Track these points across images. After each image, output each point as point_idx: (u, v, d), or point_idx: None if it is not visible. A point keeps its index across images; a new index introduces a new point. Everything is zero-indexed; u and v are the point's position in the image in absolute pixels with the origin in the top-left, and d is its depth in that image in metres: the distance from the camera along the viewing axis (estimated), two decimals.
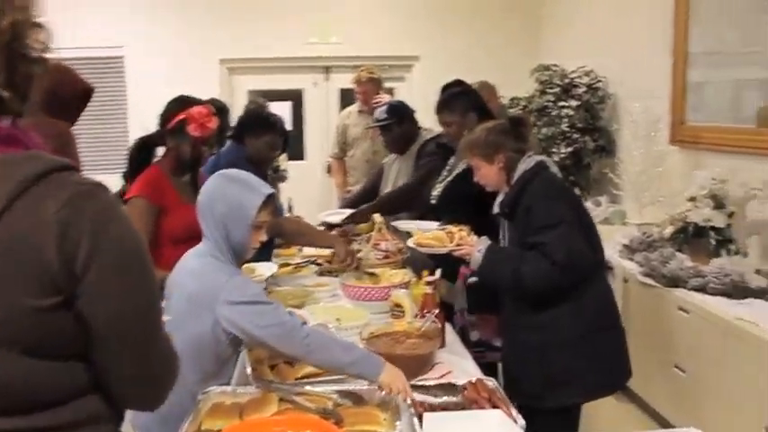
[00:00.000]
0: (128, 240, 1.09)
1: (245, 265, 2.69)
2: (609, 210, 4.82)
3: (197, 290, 1.97)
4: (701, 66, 4.07)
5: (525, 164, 2.46)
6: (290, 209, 4.75)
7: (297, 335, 1.87)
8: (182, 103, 2.61)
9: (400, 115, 3.77)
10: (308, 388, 1.93)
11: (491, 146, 2.47)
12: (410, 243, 2.66)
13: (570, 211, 2.36)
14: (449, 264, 2.74)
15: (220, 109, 3.05)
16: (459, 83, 3.13)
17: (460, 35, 6.50)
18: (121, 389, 1.14)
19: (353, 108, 5.20)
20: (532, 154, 2.51)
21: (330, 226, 3.83)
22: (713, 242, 3.30)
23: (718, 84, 3.97)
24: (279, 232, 3.03)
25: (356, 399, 1.91)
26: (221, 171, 2.09)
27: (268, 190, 2.03)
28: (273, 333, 1.86)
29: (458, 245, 2.49)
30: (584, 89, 5.19)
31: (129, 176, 2.66)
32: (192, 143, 2.59)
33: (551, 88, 5.28)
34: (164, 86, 5.86)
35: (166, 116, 2.62)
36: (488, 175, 2.50)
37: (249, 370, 2.03)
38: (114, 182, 4.28)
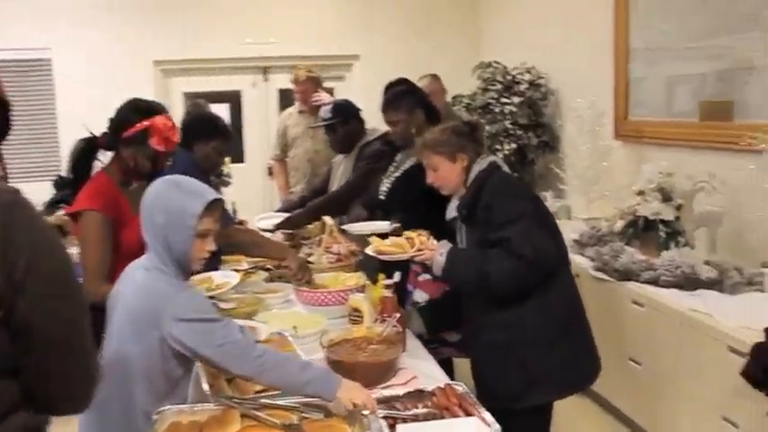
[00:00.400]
0: (57, 248, 1.15)
1: (205, 276, 2.56)
2: (555, 205, 4.84)
3: (142, 306, 1.84)
4: (642, 61, 4.13)
5: (479, 165, 2.44)
6: (234, 213, 4.61)
7: (250, 354, 1.77)
8: (141, 110, 2.40)
9: (346, 115, 3.70)
10: (269, 402, 1.83)
11: (457, 144, 2.44)
12: (369, 251, 2.59)
13: (530, 206, 2.33)
14: (405, 270, 2.73)
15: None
16: (403, 81, 3.09)
17: (401, 34, 6.47)
18: (57, 391, 1.20)
19: (293, 109, 5.09)
20: (486, 156, 2.50)
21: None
22: (663, 235, 3.34)
23: (659, 78, 4.02)
24: (229, 242, 2.89)
25: (322, 411, 1.82)
26: (161, 178, 1.97)
27: (211, 195, 1.91)
28: (225, 352, 1.76)
29: (418, 250, 2.43)
30: (526, 86, 5.22)
31: (73, 183, 2.44)
32: (152, 156, 2.40)
33: (493, 85, 5.30)
34: (95, 89, 5.71)
35: (121, 122, 2.40)
36: (448, 174, 2.45)
37: (206, 386, 1.92)
38: (44, 189, 4.06)
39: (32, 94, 6.23)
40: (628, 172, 4.06)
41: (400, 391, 1.94)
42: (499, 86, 5.27)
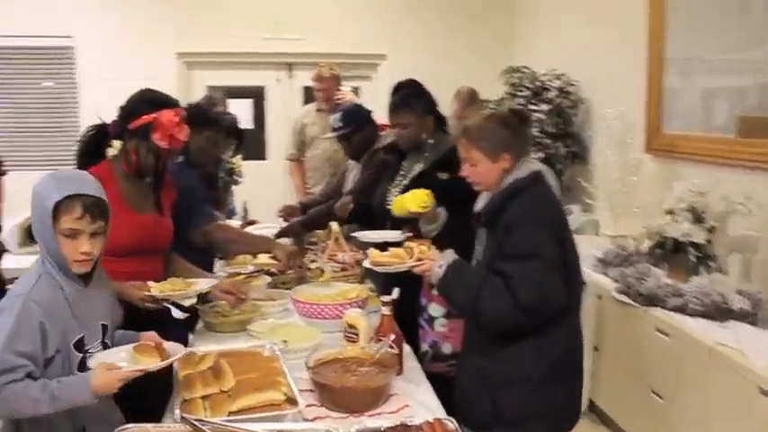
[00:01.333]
0: None
1: (182, 280, 2.39)
2: (581, 219, 4.63)
3: None
4: (677, 71, 3.88)
5: (520, 171, 2.14)
6: (245, 212, 4.46)
7: None
8: (150, 102, 2.26)
9: (358, 122, 3.49)
10: (239, 426, 1.66)
11: (501, 142, 2.12)
12: (366, 264, 2.42)
13: (551, 244, 2.04)
14: (409, 283, 2.47)
15: None
16: (414, 83, 2.94)
17: (429, 33, 6.30)
18: None
19: (311, 106, 4.95)
20: (531, 160, 2.23)
21: None
22: (693, 259, 3.09)
23: (694, 90, 3.77)
24: (208, 241, 2.74)
25: None
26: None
27: (69, 191, 1.75)
28: None
29: (418, 259, 2.23)
30: (555, 93, 4.99)
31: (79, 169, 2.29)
32: (154, 152, 2.26)
33: (521, 91, 5.08)
34: (117, 79, 5.62)
35: (130, 112, 2.26)
36: (486, 173, 2.15)
37: (177, 402, 1.78)
38: None
39: (54, 83, 6.18)
40: (658, 188, 3.81)
41: (387, 421, 1.75)
42: (527, 93, 5.05)
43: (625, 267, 3.40)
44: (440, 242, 2.32)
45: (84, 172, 1.97)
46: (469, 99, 4.79)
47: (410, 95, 2.82)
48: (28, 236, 4.04)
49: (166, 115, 2.23)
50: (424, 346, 2.68)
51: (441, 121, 2.88)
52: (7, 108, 5.94)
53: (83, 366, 1.80)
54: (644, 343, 3.11)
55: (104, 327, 1.92)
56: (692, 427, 2.79)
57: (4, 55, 5.95)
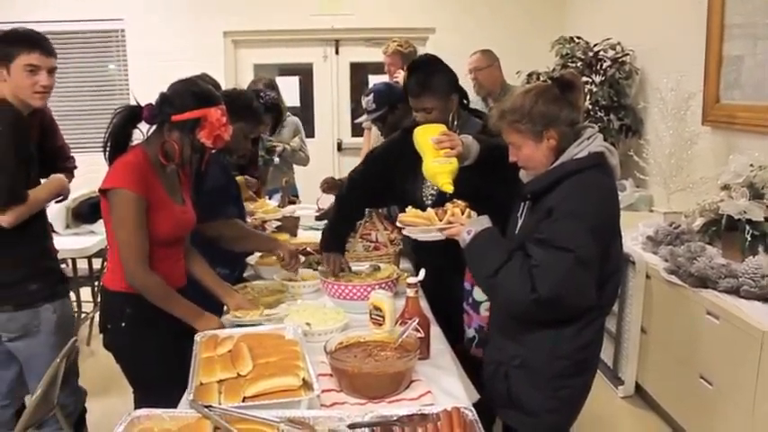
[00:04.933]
0: None
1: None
2: (634, 195, 4.45)
3: None
4: (738, 38, 3.62)
5: (579, 148, 1.92)
6: (285, 191, 4.43)
7: None
8: (198, 97, 2.18)
9: (390, 102, 3.30)
10: (251, 413, 1.62)
11: (542, 119, 1.92)
12: (398, 223, 2.24)
13: (590, 241, 1.84)
14: (446, 256, 2.24)
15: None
16: (432, 60, 2.64)
17: (478, 5, 6.13)
18: None
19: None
20: (593, 135, 1.96)
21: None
22: (749, 237, 2.90)
23: (757, 59, 3.51)
24: (218, 237, 2.72)
25: (306, 429, 1.59)
26: None
27: None
28: None
29: (448, 222, 2.06)
30: (609, 63, 4.80)
31: (110, 154, 2.24)
32: (198, 147, 2.20)
33: (573, 62, 4.89)
34: (166, 61, 5.68)
35: (173, 104, 2.17)
36: (533, 155, 1.96)
37: (194, 386, 1.77)
38: None
39: (106, 65, 6.29)
40: (715, 163, 3.60)
41: (403, 409, 1.68)
42: (579, 64, 4.86)
43: (676, 246, 3.24)
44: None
45: None
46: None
47: (432, 74, 2.55)
48: (74, 217, 4.12)
49: (215, 114, 2.17)
50: (470, 332, 2.56)
51: (464, 96, 2.68)
52: (60, 92, 6.07)
53: None
54: (693, 326, 2.96)
55: None
56: (742, 415, 2.64)
57: (58, 40, 6.07)
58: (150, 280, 2.16)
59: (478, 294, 2.56)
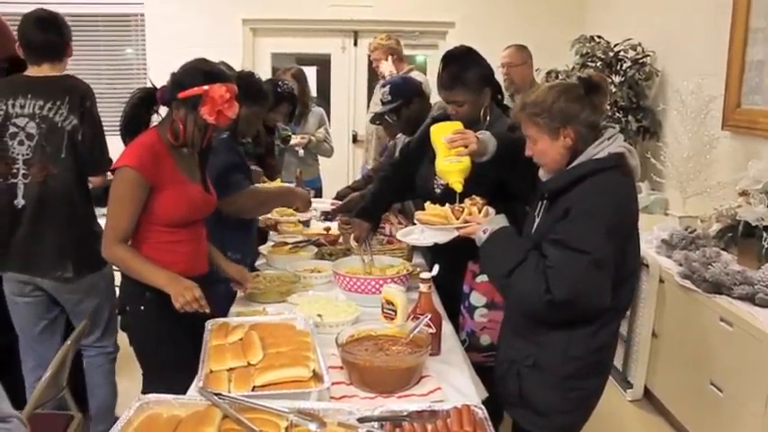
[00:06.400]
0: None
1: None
2: (650, 198, 4.40)
3: None
4: (763, 42, 3.58)
5: (599, 148, 1.90)
6: (297, 182, 4.41)
7: None
8: (204, 74, 2.18)
9: (406, 95, 3.26)
10: (261, 403, 1.62)
11: (560, 116, 1.90)
12: (416, 218, 2.22)
13: (607, 243, 1.82)
14: (455, 253, 2.28)
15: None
16: (467, 52, 2.57)
17: (499, 0, 6.06)
18: None
19: None
20: (613, 135, 1.94)
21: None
22: (766, 245, 2.88)
23: None
24: (238, 210, 2.71)
25: (315, 420, 1.59)
26: None
27: None
28: None
29: (465, 221, 2.04)
30: (629, 64, 4.74)
31: (124, 135, 2.27)
32: (200, 125, 2.20)
33: (593, 62, 4.84)
34: (185, 46, 5.64)
35: (181, 81, 2.18)
36: (547, 152, 1.95)
37: (203, 373, 1.78)
38: None
39: (124, 49, 6.29)
40: (733, 168, 3.56)
41: (414, 404, 1.68)
42: (599, 63, 4.81)
43: (691, 251, 3.21)
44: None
45: None
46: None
47: (465, 67, 2.49)
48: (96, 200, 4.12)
49: (218, 90, 2.15)
50: (462, 335, 2.59)
51: (497, 90, 2.63)
52: (80, 75, 6.07)
53: None
54: (706, 332, 2.93)
55: None
56: (753, 424, 2.61)
57: (77, 22, 6.08)
58: (119, 253, 2.17)
59: (475, 299, 2.58)
